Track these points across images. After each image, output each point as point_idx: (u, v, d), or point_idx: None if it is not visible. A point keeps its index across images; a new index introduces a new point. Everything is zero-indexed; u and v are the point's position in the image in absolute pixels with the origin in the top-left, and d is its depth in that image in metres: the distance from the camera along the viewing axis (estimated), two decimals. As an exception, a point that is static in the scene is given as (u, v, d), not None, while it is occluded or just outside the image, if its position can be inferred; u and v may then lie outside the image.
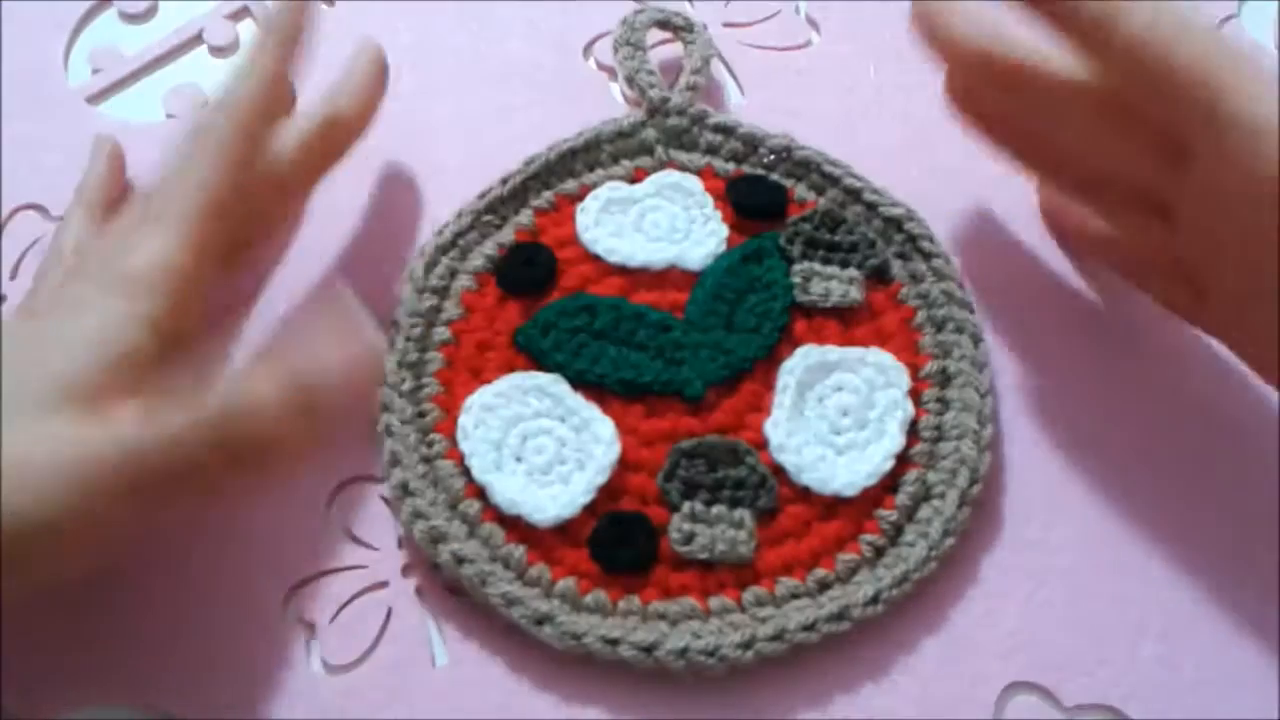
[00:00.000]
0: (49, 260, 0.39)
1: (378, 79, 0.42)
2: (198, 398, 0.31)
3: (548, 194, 0.42)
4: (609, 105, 0.46)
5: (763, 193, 0.42)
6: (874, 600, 0.35)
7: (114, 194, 0.42)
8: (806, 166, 0.43)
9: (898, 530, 0.37)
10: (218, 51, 0.48)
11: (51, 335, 0.32)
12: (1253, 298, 0.35)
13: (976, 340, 0.40)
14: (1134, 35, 0.34)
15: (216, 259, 0.35)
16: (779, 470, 0.37)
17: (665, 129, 0.43)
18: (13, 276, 0.42)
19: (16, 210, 0.44)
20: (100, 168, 0.42)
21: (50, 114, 0.46)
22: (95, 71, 0.47)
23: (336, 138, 0.40)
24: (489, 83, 0.46)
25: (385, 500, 0.38)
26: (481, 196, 0.42)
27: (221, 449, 0.31)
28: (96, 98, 0.47)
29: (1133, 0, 0.34)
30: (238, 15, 0.48)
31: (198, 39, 0.48)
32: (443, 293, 0.40)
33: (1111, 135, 0.37)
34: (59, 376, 0.31)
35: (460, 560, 0.36)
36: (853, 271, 0.40)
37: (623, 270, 0.40)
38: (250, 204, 0.37)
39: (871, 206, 0.42)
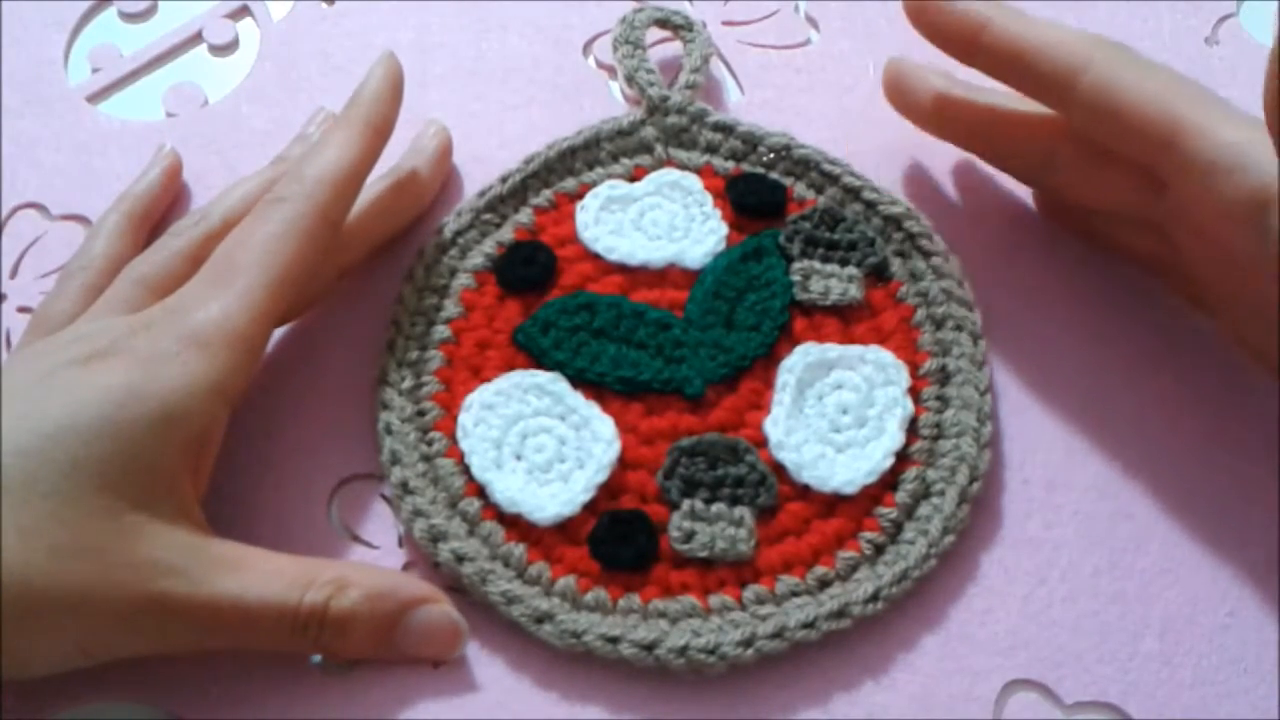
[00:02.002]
0: (76, 263, 0.39)
1: (445, 154, 0.43)
2: (295, 587, 0.33)
3: (547, 192, 0.42)
4: (609, 104, 0.46)
5: (762, 191, 0.42)
6: (874, 598, 0.35)
7: (158, 208, 0.42)
8: (806, 165, 0.43)
9: (897, 528, 0.37)
10: (217, 51, 0.48)
11: (135, 405, 0.32)
12: (1251, 312, 0.37)
13: (976, 338, 0.40)
14: (1093, 86, 0.36)
15: (276, 324, 0.36)
16: (779, 468, 0.37)
17: (665, 127, 0.43)
18: (13, 275, 0.42)
19: (16, 209, 0.44)
20: (153, 178, 0.42)
21: (50, 113, 0.46)
22: (95, 70, 0.47)
23: (404, 203, 0.42)
24: (489, 81, 0.46)
25: (385, 498, 0.38)
26: (481, 195, 0.42)
27: (300, 640, 0.33)
28: (96, 97, 0.47)
29: (1086, 52, 0.36)
30: (237, 14, 0.49)
31: (197, 38, 0.48)
32: (442, 291, 0.40)
33: (1091, 170, 0.38)
34: (156, 466, 0.33)
35: (460, 559, 0.36)
36: (852, 269, 0.40)
37: (622, 268, 0.40)
38: (317, 276, 0.38)
39: (871, 205, 0.42)
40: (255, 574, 0.33)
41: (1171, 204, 0.36)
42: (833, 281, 0.40)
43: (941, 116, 0.41)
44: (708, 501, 0.36)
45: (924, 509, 0.37)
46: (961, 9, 0.38)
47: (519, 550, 0.36)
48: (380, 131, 0.39)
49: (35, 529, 0.31)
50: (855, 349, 0.39)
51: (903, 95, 0.42)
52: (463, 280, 0.40)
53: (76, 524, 0.31)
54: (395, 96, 0.40)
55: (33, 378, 0.33)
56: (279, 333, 0.40)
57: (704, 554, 0.36)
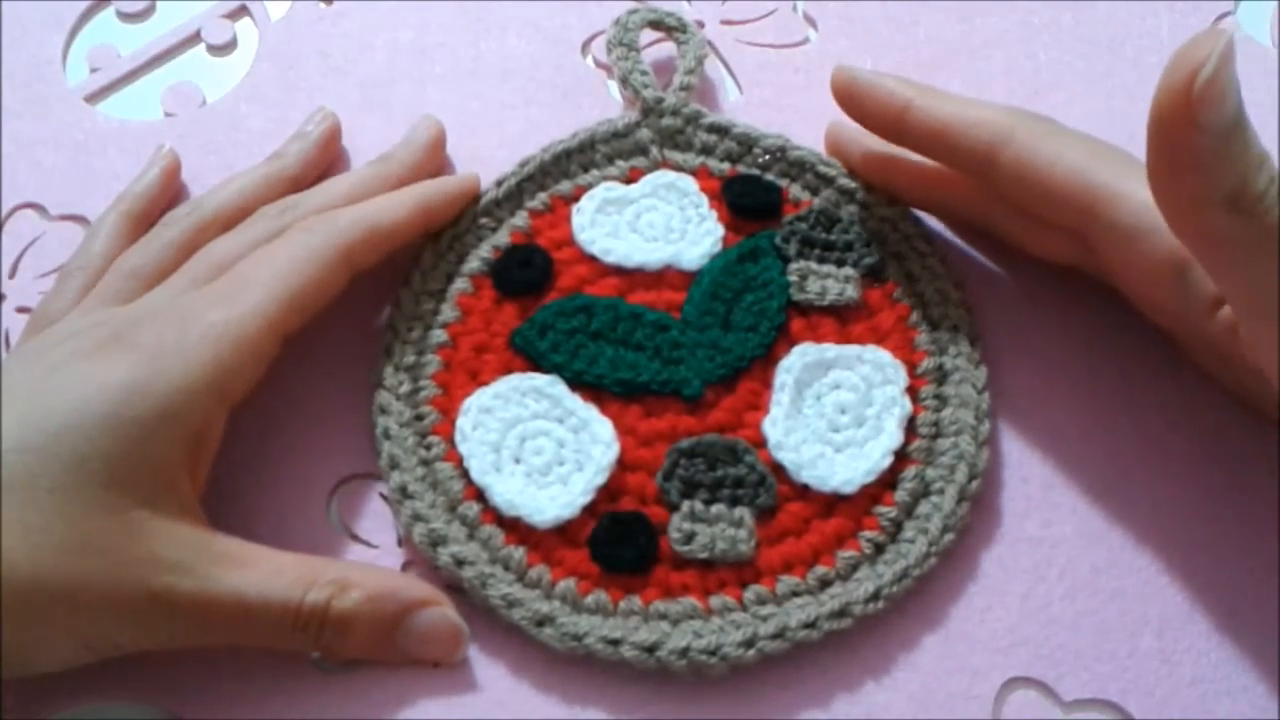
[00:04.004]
0: (74, 263, 0.39)
1: (436, 145, 0.43)
2: (295, 587, 0.33)
3: (543, 195, 0.42)
4: (607, 103, 0.46)
5: (758, 192, 0.42)
6: (874, 597, 0.35)
7: (156, 208, 0.42)
8: (801, 166, 0.43)
9: (897, 527, 0.37)
10: (215, 51, 0.48)
11: (139, 401, 0.33)
12: (1196, 352, 0.38)
13: (973, 337, 0.40)
14: (1015, 159, 0.36)
15: (284, 338, 0.36)
16: (778, 468, 0.37)
17: (660, 129, 0.43)
18: (11, 275, 0.42)
19: (15, 209, 0.44)
20: (152, 178, 0.42)
21: (49, 113, 0.46)
22: (94, 70, 0.47)
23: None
24: (487, 81, 0.46)
25: (385, 498, 0.38)
26: (477, 199, 0.42)
27: (300, 639, 0.33)
28: (95, 97, 0.47)
29: (1007, 126, 0.37)
30: (235, 14, 0.48)
31: (195, 38, 0.48)
32: (439, 296, 0.40)
33: (1028, 228, 0.39)
34: (158, 463, 0.33)
35: (460, 562, 0.36)
36: (849, 270, 0.40)
37: (619, 270, 0.40)
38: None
39: (866, 206, 0.42)
40: (258, 571, 0.33)
41: (1102, 265, 0.37)
42: (829, 282, 0.40)
43: (876, 175, 0.42)
44: (707, 502, 0.36)
45: (923, 507, 0.37)
46: (884, 93, 0.39)
47: (519, 553, 0.36)
48: (430, 219, 0.40)
49: (40, 525, 0.31)
50: (853, 349, 0.39)
51: (843, 157, 0.43)
52: (459, 285, 0.40)
53: (81, 520, 0.31)
54: (461, 202, 0.41)
55: (35, 374, 0.33)
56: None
57: (704, 555, 0.36)
